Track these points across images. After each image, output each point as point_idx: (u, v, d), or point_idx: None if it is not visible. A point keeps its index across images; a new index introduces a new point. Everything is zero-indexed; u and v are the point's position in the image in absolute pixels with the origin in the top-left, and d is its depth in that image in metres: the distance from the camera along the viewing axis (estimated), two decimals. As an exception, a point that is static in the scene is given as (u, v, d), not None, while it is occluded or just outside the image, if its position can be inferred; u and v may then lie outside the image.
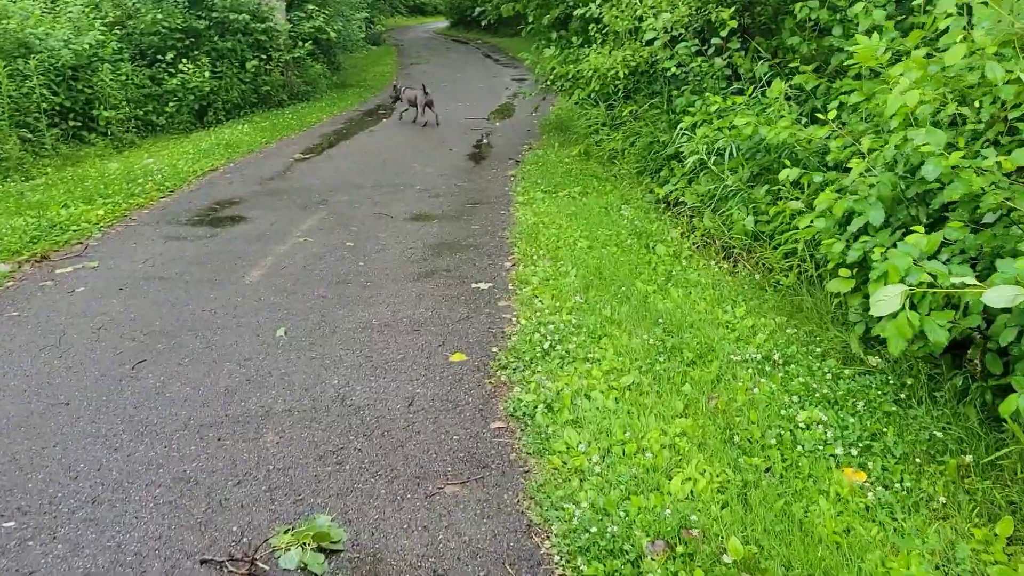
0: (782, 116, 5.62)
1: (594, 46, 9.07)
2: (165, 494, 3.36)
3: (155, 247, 7.02)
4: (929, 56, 4.03)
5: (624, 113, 8.49)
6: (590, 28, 8.67)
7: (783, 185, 5.24)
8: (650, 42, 7.60)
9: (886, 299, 2.51)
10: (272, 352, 4.77)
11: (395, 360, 4.64)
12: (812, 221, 4.29)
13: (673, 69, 7.29)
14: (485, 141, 12.40)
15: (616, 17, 8.01)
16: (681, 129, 7.21)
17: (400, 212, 8.11)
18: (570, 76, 9.91)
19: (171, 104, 12.79)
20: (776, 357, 4.23)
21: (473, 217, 7.87)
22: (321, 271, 6.29)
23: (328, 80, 18.03)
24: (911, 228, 3.46)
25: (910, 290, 2.62)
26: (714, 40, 7.09)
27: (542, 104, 13.50)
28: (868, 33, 5.06)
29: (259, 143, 12.12)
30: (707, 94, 6.83)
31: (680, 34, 7.40)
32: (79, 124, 11.41)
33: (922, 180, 3.67)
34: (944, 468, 3.22)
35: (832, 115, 4.77)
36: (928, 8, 5.27)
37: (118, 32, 12.44)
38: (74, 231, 7.41)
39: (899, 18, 5.47)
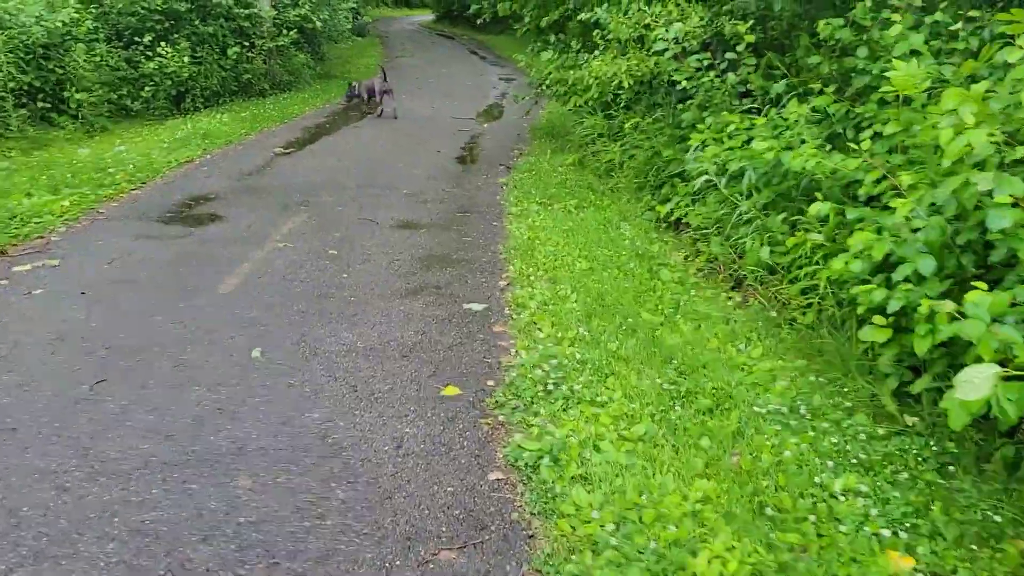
0: (803, 140, 5.28)
1: (596, 52, 8.69)
2: (120, 550, 2.93)
3: (123, 245, 6.55)
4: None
5: (627, 126, 8.11)
6: (593, 34, 8.28)
7: (808, 221, 4.89)
8: (659, 52, 7.24)
9: (975, 382, 2.16)
10: (246, 376, 4.34)
11: (382, 391, 4.23)
12: (847, 263, 3.94)
13: (684, 83, 6.93)
14: (473, 143, 11.99)
15: (622, 24, 7.63)
16: (688, 146, 6.86)
17: (386, 218, 7.69)
18: (568, 82, 9.53)
19: (147, 89, 12.25)
20: (803, 410, 3.88)
21: (464, 227, 7.47)
22: (302, 282, 5.86)
23: (312, 71, 17.50)
24: (967, 281, 3.13)
25: (1005, 372, 2.27)
26: (728, 55, 6.74)
27: (533, 107, 13.11)
28: (904, 58, 4.73)
29: (238, 134, 11.62)
30: (723, 112, 6.48)
31: (691, 46, 7.04)
32: (48, 106, 10.87)
33: (977, 227, 3.34)
34: (1003, 556, 2.88)
35: (866, 145, 4.43)
36: (974, 34, 4.97)
37: (94, 11, 11.87)
38: (36, 223, 6.92)
39: (934, 43, 5.17)
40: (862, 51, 5.75)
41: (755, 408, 3.91)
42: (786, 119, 5.78)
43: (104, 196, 7.98)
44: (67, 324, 4.95)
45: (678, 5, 7.34)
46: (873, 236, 3.88)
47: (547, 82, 9.98)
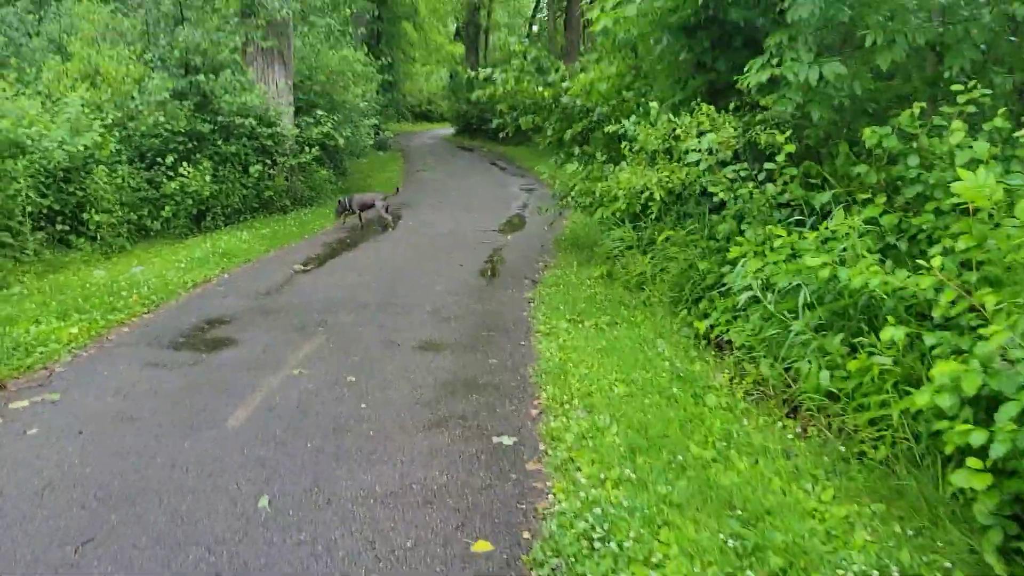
0: (861, 255, 4.87)
1: (622, 163, 8.47)
2: None
3: (130, 375, 6.16)
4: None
5: (660, 239, 7.76)
6: (622, 146, 8.05)
7: (873, 343, 4.43)
8: (692, 163, 6.96)
9: None
10: (252, 531, 3.85)
11: (404, 548, 3.72)
12: (933, 396, 3.46)
13: (721, 194, 6.61)
14: (497, 256, 11.72)
15: (650, 135, 7.40)
16: (726, 258, 6.49)
17: (408, 338, 7.29)
18: (594, 193, 9.29)
19: (167, 208, 12.15)
20: (894, 573, 3.32)
21: (490, 348, 7.05)
22: (317, 414, 5.42)
23: (333, 185, 17.54)
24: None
25: None
26: (768, 165, 6.42)
27: (556, 218, 12.89)
28: (968, 166, 4.37)
29: (258, 252, 11.42)
30: (763, 224, 6.12)
31: (726, 156, 6.76)
32: (67, 228, 10.74)
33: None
34: None
35: (937, 262, 4.01)
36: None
37: (117, 134, 11.91)
38: (40, 353, 6.57)
39: (993, 149, 4.82)
40: (912, 159, 5.41)
41: (838, 572, 3.35)
42: (835, 231, 5.39)
43: (115, 321, 7.67)
44: (59, 469, 4.51)
45: (708, 115, 7.10)
46: (960, 367, 3.42)
47: (572, 194, 9.75)
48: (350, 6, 24.10)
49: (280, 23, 15.00)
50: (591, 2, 9.05)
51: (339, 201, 14.24)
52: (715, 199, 6.83)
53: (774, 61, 6.48)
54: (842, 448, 4.52)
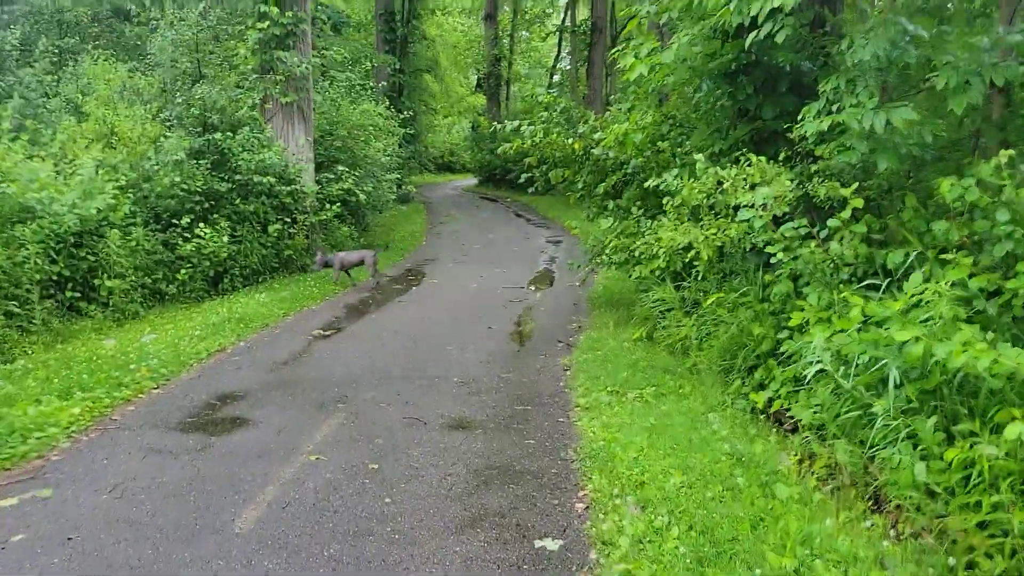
0: (957, 327, 4.24)
1: (662, 219, 7.92)
2: None
3: (131, 466, 5.60)
4: None
5: (708, 302, 7.13)
6: (664, 202, 7.48)
7: (981, 435, 3.78)
8: (745, 220, 6.37)
9: None
10: None
11: None
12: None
13: (780, 255, 6.00)
14: (528, 316, 11.14)
15: (694, 189, 6.83)
16: (784, 324, 5.87)
17: (435, 416, 6.69)
18: (631, 250, 8.74)
19: (183, 271, 11.72)
20: None
21: (526, 426, 6.43)
22: (336, 512, 4.81)
23: (355, 243, 17.11)
24: None
25: None
26: (831, 222, 5.82)
27: (587, 273, 12.30)
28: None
29: (276, 315, 10.92)
30: (837, 292, 5.51)
31: (781, 212, 6.17)
32: (78, 294, 10.31)
33: None
34: None
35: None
36: None
37: (132, 195, 11.55)
38: (37, 439, 6.03)
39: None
40: (1002, 214, 4.80)
41: None
42: (917, 296, 4.77)
43: (120, 399, 7.14)
44: (40, 590, 3.93)
45: (758, 167, 6.54)
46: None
47: (607, 251, 9.19)
48: (371, 59, 24.05)
49: (300, 78, 14.72)
50: (622, 50, 8.59)
51: (319, 253, 13.51)
52: (772, 259, 6.22)
53: (832, 107, 5.93)
54: (950, 560, 3.83)
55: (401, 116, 20.31)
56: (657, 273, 8.41)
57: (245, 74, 14.26)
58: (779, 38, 6.36)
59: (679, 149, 8.89)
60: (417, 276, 14.68)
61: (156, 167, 12.05)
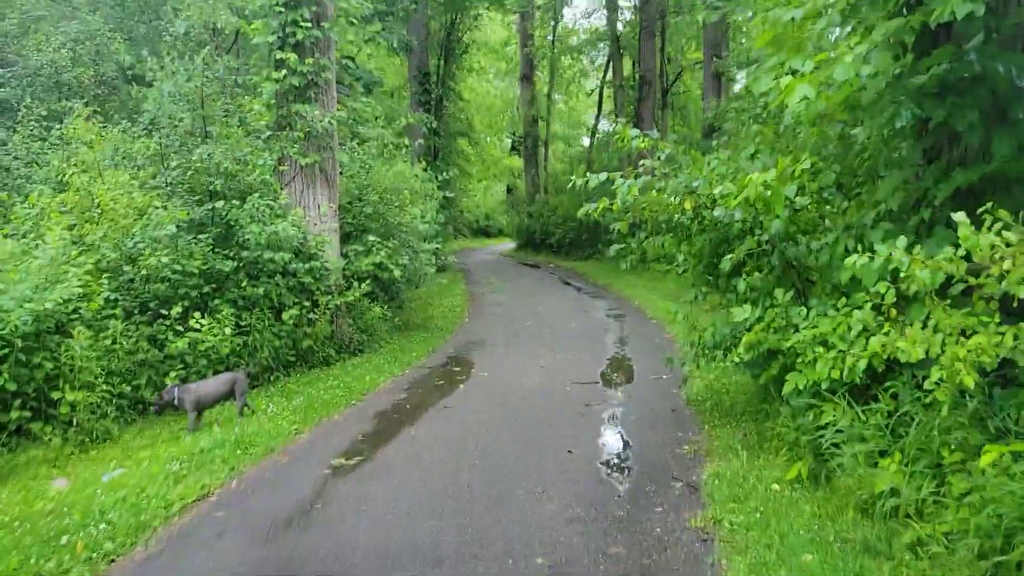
0: None
1: (845, 308, 5.34)
2: None
3: None
4: None
5: (985, 461, 4.38)
6: (861, 289, 4.90)
7: None
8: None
9: None
10: None
11: None
12: None
13: None
14: (617, 432, 8.47)
15: (925, 266, 4.24)
16: None
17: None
18: (779, 352, 6.14)
19: (172, 375, 9.25)
20: None
21: None
22: None
23: (389, 323, 14.60)
24: None
25: None
26: None
27: (678, 367, 9.57)
28: None
29: (286, 434, 8.35)
30: None
31: None
32: (28, 414, 7.88)
33: None
34: None
35: None
36: None
37: (107, 281, 9.19)
38: None
39: None
40: None
41: None
42: None
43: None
44: None
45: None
46: None
47: (739, 351, 6.52)
48: (406, 117, 21.98)
49: (322, 135, 12.44)
50: (753, 71, 6.15)
51: (159, 396, 8.57)
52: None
53: None
54: None
55: (439, 178, 17.98)
56: (822, 383, 5.75)
57: (258, 132, 12.01)
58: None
59: (846, 204, 6.32)
60: (463, 367, 12.09)
61: (142, 245, 9.70)
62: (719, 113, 21.85)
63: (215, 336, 9.71)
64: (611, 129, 38.77)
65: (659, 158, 7.56)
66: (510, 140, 54.24)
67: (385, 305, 14.34)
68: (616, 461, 7.30)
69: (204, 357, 9.70)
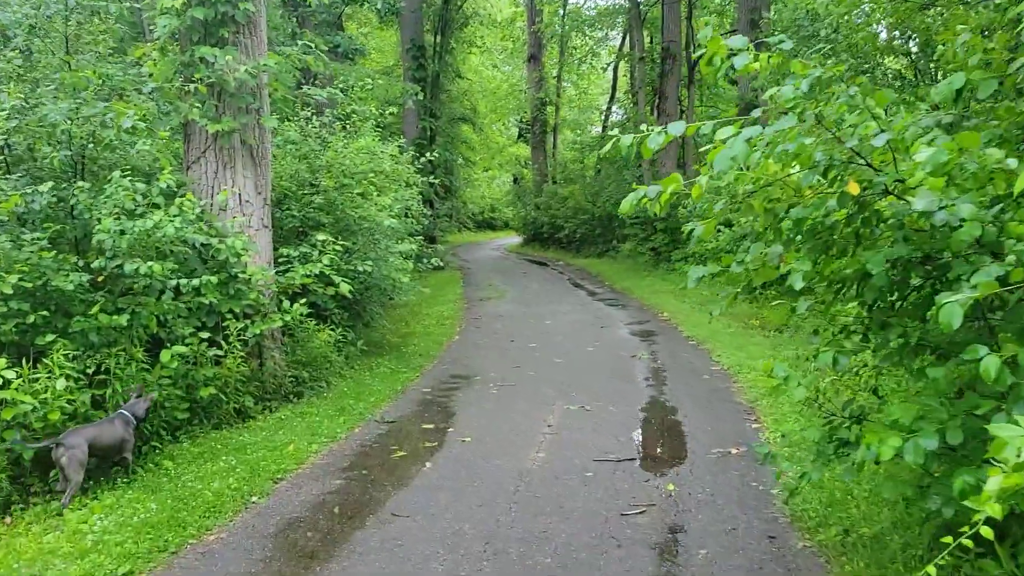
0: None
1: None
2: None
3: None
4: None
5: None
6: None
7: None
8: None
9: None
10: None
11: None
12: None
13: None
14: None
15: None
16: None
17: None
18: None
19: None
20: None
21: None
22: None
23: (352, 347, 10.98)
24: None
25: None
26: None
27: (767, 454, 5.94)
28: None
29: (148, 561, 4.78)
30: None
31: None
32: None
33: None
34: None
35: None
36: None
37: None
38: None
39: None
40: None
41: None
42: None
43: None
44: None
45: None
46: None
47: (985, 498, 2.92)
48: (387, 91, 18.35)
49: (241, 92, 8.83)
50: None
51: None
52: None
53: None
54: None
55: (423, 158, 14.32)
56: None
57: (137, 84, 8.39)
58: None
59: None
60: (437, 422, 8.47)
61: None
62: (763, 84, 18.09)
63: (36, 397, 6.13)
64: (623, 116, 34.95)
65: (800, 113, 3.74)
66: (516, 128, 50.65)
67: (341, 327, 10.71)
68: None
69: (17, 428, 6.11)
